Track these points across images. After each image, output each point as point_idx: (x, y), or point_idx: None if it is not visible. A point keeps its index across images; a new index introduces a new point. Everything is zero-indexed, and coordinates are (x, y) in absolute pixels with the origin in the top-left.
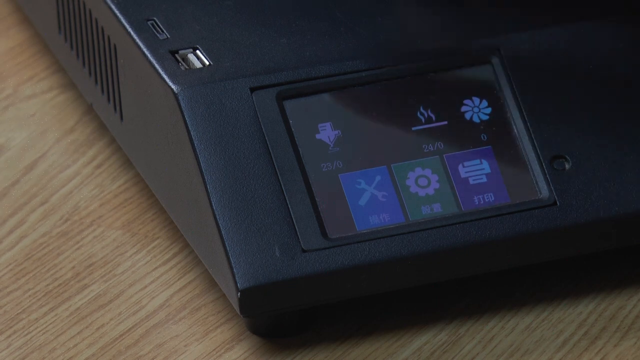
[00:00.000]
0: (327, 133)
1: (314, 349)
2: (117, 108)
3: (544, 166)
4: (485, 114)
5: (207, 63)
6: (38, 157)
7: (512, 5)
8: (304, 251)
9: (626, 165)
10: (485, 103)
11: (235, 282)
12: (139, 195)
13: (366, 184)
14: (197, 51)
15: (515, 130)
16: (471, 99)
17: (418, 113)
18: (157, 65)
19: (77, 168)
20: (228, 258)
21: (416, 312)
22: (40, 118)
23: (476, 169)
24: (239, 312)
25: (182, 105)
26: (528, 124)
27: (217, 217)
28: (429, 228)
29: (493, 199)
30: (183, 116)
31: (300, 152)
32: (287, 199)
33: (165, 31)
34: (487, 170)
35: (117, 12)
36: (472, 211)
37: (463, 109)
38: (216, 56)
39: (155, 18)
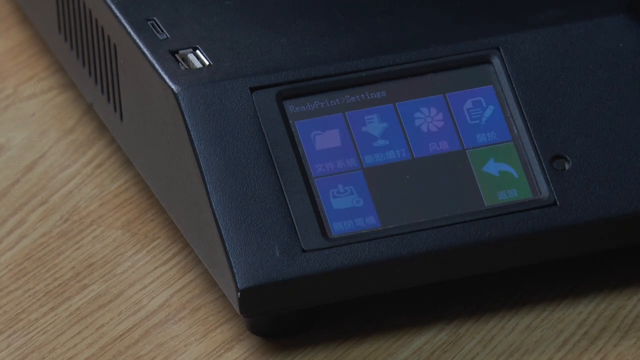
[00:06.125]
0: (327, 133)
1: (314, 349)
2: (117, 108)
3: (544, 166)
4: (486, 114)
5: (207, 63)
6: (38, 157)
7: (512, 5)
8: (304, 251)
9: (626, 165)
10: (485, 103)
11: (235, 282)
12: (139, 195)
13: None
14: (197, 51)
15: (515, 130)
16: (471, 99)
17: (418, 113)
18: (157, 65)
19: (77, 168)
20: (228, 258)
21: (416, 312)
22: (40, 118)
23: None
24: (239, 312)
25: (182, 105)
26: (528, 124)
27: (217, 217)
28: (428, 228)
29: None
30: (183, 116)
31: (300, 152)
32: (287, 199)
33: (165, 31)
34: None
35: (117, 12)
36: (472, 211)
37: (463, 108)
38: (216, 56)
39: (155, 18)
